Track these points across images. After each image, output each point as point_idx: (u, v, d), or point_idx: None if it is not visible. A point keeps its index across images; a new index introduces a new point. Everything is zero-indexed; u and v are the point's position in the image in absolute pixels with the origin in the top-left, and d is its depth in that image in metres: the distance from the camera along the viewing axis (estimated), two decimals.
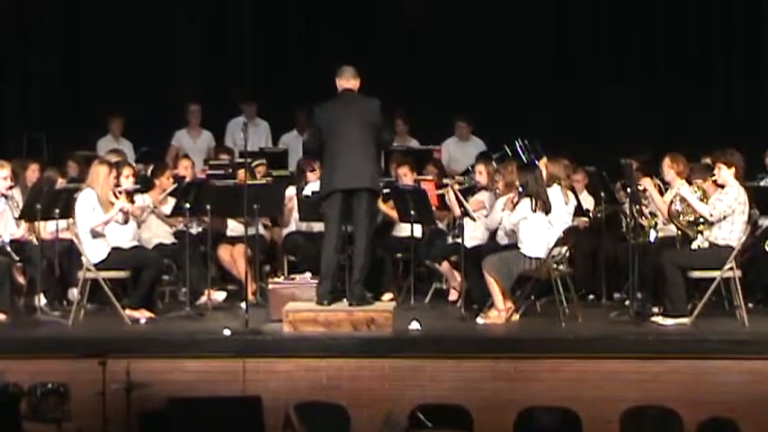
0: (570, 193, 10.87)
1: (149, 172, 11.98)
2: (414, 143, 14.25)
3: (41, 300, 10.64)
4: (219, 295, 11.41)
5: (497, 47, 14.71)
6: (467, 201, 11.05)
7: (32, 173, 11.88)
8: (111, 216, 10.54)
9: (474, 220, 11.02)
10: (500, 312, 10.27)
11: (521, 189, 10.41)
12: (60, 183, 11.32)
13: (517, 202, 10.41)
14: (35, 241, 10.88)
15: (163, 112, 14.22)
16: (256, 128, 14.20)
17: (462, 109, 14.30)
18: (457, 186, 11.23)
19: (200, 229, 11.45)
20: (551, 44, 15.09)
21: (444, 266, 11.36)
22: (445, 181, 11.91)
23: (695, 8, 14.87)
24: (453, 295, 11.38)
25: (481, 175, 11.46)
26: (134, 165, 11.94)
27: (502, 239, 10.83)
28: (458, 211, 10.97)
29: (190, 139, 14.19)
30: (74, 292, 10.78)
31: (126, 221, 10.70)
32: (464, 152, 13.93)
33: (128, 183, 10.88)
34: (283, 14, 15.29)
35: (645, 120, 14.14)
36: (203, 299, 11.08)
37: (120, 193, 10.67)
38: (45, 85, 14.93)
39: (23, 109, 14.71)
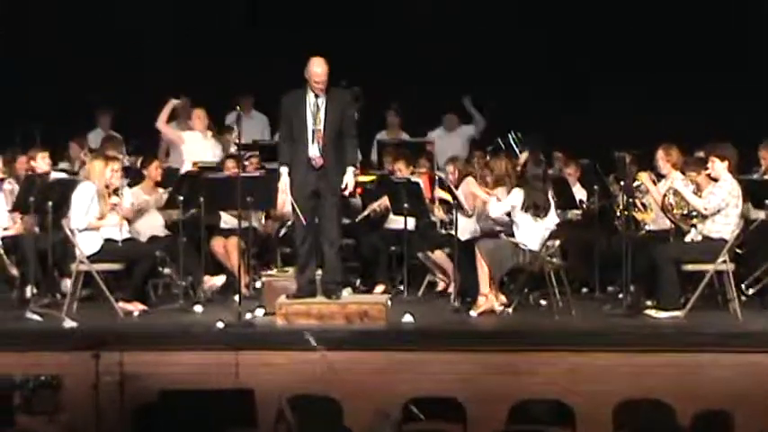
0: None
1: (139, 164, 11.97)
2: (404, 136, 14.26)
3: (34, 292, 10.63)
4: (218, 279, 11.39)
5: (496, 46, 14.71)
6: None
7: (21, 165, 11.86)
8: (105, 223, 10.58)
9: (466, 213, 11.03)
10: (487, 297, 10.26)
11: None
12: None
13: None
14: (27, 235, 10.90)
15: (154, 106, 14.17)
16: (252, 120, 14.18)
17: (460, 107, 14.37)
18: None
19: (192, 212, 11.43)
20: (549, 44, 15.10)
21: (438, 256, 11.36)
22: (439, 175, 11.95)
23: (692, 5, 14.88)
24: (441, 286, 11.41)
25: (453, 175, 11.52)
26: (120, 157, 11.93)
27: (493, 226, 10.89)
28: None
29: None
30: (67, 284, 10.76)
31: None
32: (450, 142, 13.99)
33: (116, 178, 10.89)
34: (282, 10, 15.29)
35: (640, 118, 14.13)
36: (205, 286, 11.08)
37: (114, 192, 10.70)
38: (39, 78, 14.89)
39: (17, 101, 14.65)
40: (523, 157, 10.97)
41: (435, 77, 14.60)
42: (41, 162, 11.25)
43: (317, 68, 9.94)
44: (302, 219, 9.98)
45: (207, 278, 11.21)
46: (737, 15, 14.68)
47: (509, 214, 10.45)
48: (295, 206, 9.99)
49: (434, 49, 14.65)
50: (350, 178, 10.02)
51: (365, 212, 11.91)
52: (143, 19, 14.92)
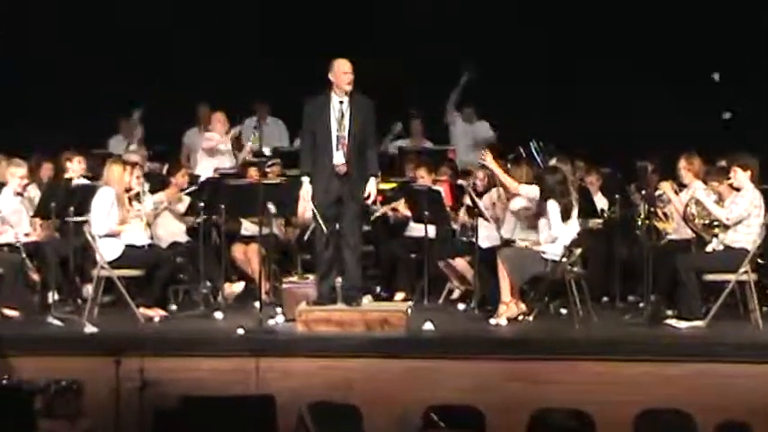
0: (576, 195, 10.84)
1: (165, 171, 12.00)
2: (428, 144, 14.27)
3: (55, 297, 10.67)
4: (237, 287, 11.42)
5: (496, 46, 14.69)
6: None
7: (46, 172, 11.92)
8: (128, 228, 10.64)
9: (488, 221, 11.03)
10: (508, 305, 10.26)
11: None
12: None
13: (540, 205, 10.42)
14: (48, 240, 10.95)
15: (173, 113, 14.19)
16: (268, 127, 14.18)
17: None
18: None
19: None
20: (549, 44, 15.06)
21: (458, 263, 11.35)
22: (460, 182, 11.96)
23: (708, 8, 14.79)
24: (457, 293, 11.43)
25: (482, 181, 11.53)
26: (139, 160, 11.96)
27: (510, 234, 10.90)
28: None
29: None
30: (88, 290, 10.80)
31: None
32: (469, 136, 14.00)
33: (137, 183, 10.95)
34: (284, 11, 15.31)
35: (658, 122, 14.09)
36: (224, 293, 11.10)
37: (133, 196, 10.74)
38: (39, 78, 14.87)
39: (17, 101, 14.65)
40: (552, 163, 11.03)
41: (435, 77, 14.58)
42: (77, 165, 11.29)
43: (346, 67, 9.98)
44: (324, 228, 9.99)
45: (227, 285, 11.24)
46: (753, 18, 14.58)
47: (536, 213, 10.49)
48: (317, 215, 9.99)
49: (434, 49, 14.64)
50: (372, 187, 10.03)
51: (378, 213, 11.90)
52: (159, 21, 14.95)
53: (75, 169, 11.35)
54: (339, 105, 9.98)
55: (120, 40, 14.79)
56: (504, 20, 14.85)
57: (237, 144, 13.19)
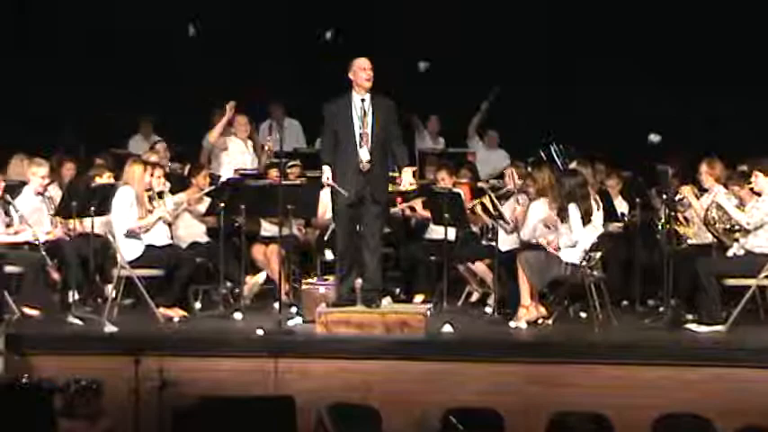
0: (598, 199, 10.83)
1: (186, 171, 12.01)
2: (441, 141, 14.27)
3: (75, 296, 10.71)
4: (260, 276, 11.43)
5: (496, 46, 14.68)
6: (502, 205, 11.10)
7: (68, 171, 11.95)
8: (149, 223, 10.67)
9: (508, 224, 11.02)
10: (528, 308, 10.25)
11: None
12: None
13: (561, 211, 10.38)
14: (68, 238, 10.97)
15: (193, 114, 14.20)
16: (284, 129, 14.16)
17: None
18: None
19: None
20: (549, 44, 15.03)
21: (478, 267, 11.34)
22: (480, 185, 11.94)
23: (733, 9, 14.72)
24: (475, 296, 11.42)
25: (511, 179, 11.50)
26: (164, 165, 11.96)
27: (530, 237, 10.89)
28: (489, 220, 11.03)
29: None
30: (108, 289, 10.83)
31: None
32: (490, 164, 13.98)
33: (158, 183, 10.97)
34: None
35: (679, 124, 14.05)
36: (246, 289, 11.13)
37: (153, 197, 10.77)
38: (39, 78, 14.81)
39: (17, 101, 14.67)
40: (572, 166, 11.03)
41: (435, 78, 14.54)
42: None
43: (364, 64, 10.04)
44: (344, 193, 9.93)
45: (248, 278, 11.25)
46: (754, 18, 14.50)
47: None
48: (337, 187, 9.95)
49: (434, 49, 14.57)
50: (408, 178, 10.14)
51: (395, 209, 11.88)
52: (175, 23, 14.96)
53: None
54: (361, 103, 10.01)
55: (120, 40, 14.82)
56: (504, 20, 14.83)
57: (260, 147, 13.20)
